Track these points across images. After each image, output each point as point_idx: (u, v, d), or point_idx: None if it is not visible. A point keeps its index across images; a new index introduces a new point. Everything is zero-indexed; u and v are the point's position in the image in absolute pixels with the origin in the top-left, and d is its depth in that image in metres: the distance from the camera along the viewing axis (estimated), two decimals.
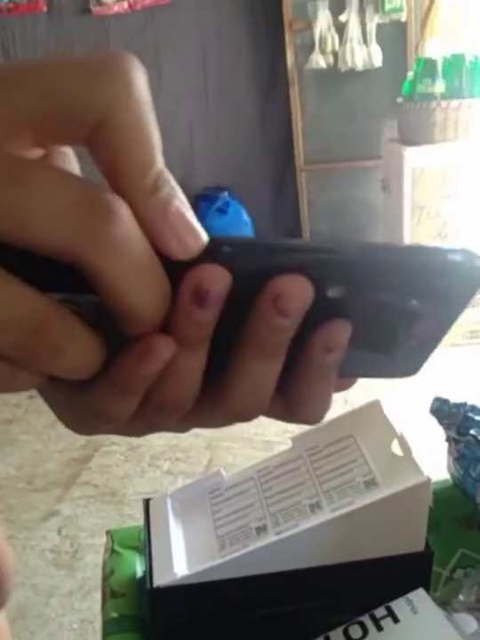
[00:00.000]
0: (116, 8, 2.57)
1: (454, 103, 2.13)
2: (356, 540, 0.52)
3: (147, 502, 0.60)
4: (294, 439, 0.60)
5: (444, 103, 2.13)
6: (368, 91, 2.54)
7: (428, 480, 0.51)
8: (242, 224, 2.63)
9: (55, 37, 2.60)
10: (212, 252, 0.18)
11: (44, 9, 2.60)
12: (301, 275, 0.18)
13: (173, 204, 0.17)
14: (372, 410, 0.59)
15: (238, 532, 0.55)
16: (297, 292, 0.18)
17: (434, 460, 0.87)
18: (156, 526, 0.58)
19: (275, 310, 0.18)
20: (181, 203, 0.18)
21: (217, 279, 0.17)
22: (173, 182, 0.18)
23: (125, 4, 2.58)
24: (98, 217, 0.16)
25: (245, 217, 2.67)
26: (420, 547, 0.53)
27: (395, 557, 0.52)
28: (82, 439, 1.96)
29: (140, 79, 0.18)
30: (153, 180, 0.17)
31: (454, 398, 0.71)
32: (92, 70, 0.17)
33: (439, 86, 2.15)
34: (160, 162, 0.18)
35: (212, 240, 0.18)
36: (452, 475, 0.69)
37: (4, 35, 2.57)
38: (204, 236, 0.18)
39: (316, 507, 0.54)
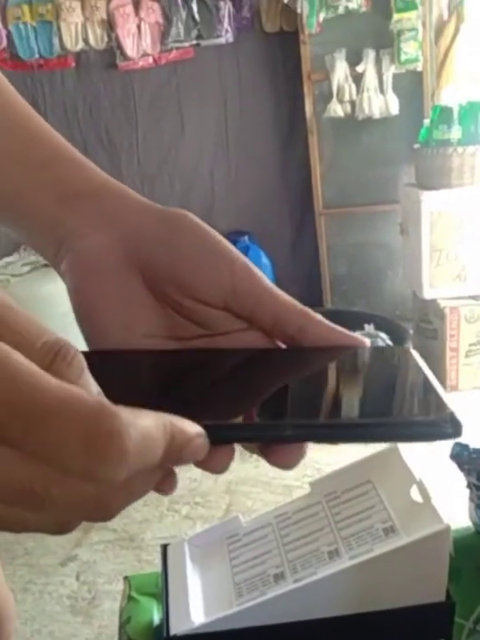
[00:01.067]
0: (141, 63, 2.68)
1: (471, 149, 2.16)
2: (375, 588, 0.51)
3: (164, 548, 0.60)
4: (312, 484, 0.60)
5: (460, 149, 2.16)
6: (385, 138, 2.59)
7: (448, 527, 0.51)
8: (262, 266, 2.66)
9: (82, 91, 2.70)
10: None
11: (73, 64, 2.72)
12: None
13: None
14: (391, 455, 0.59)
15: (256, 579, 0.55)
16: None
17: (455, 507, 0.86)
18: (174, 572, 0.58)
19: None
20: None
21: None
22: None
23: (150, 59, 2.69)
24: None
25: (265, 260, 2.71)
26: (441, 597, 0.52)
27: (415, 608, 0.51)
28: None
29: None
30: None
31: (474, 444, 0.71)
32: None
33: (455, 132, 2.18)
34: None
35: None
36: (473, 522, 0.68)
37: (35, 89, 2.68)
38: None
39: (334, 554, 0.54)
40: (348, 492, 0.58)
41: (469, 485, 0.67)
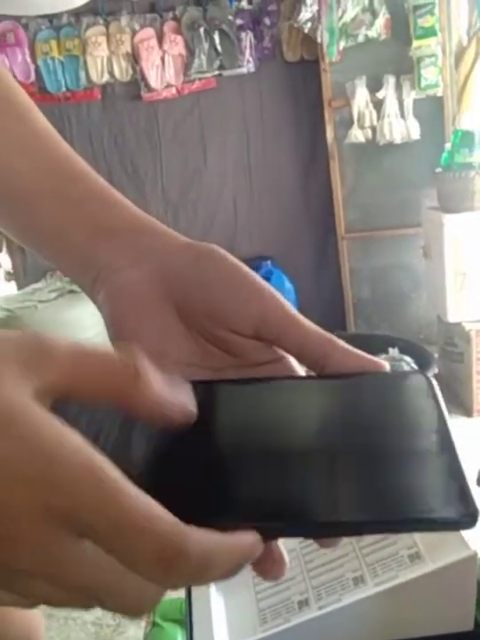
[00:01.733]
0: (164, 93, 2.74)
1: None
2: (400, 616, 0.50)
3: None
4: None
5: None
6: (406, 162, 2.61)
7: (475, 554, 0.50)
8: (284, 291, 2.67)
9: (108, 122, 2.77)
10: None
11: (99, 96, 2.79)
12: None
13: None
14: None
15: (280, 605, 0.54)
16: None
17: None
18: (198, 598, 0.57)
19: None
20: None
21: None
22: None
23: (173, 90, 2.75)
24: None
25: (288, 284, 2.71)
26: (469, 626, 0.51)
27: (442, 637, 0.50)
28: None
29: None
30: None
31: None
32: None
33: (477, 156, 2.18)
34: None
35: None
36: None
37: (62, 120, 2.76)
38: None
39: (359, 580, 0.53)
40: None
41: None
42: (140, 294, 0.30)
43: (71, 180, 0.34)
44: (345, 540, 0.58)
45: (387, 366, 0.29)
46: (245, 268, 0.30)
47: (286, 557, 0.25)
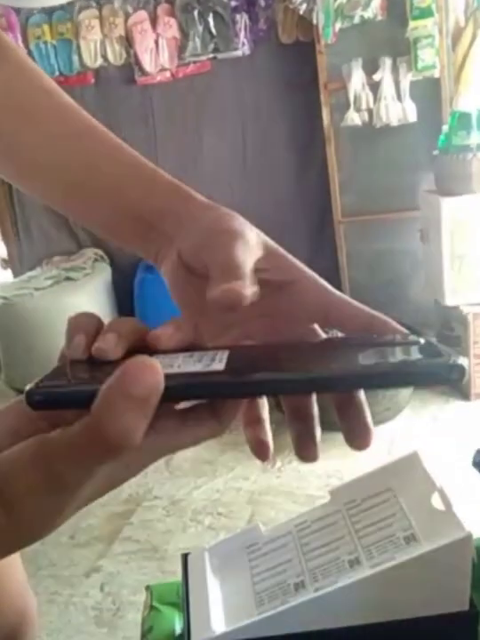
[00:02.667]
0: (158, 77, 2.71)
1: None
2: (396, 597, 0.51)
3: (185, 557, 0.60)
4: (332, 492, 0.60)
5: None
6: (404, 145, 2.59)
7: (470, 535, 0.50)
8: None
9: (102, 106, 2.74)
10: None
11: (92, 81, 2.76)
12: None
13: None
14: (411, 461, 0.59)
15: (276, 588, 0.55)
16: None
17: None
18: (195, 582, 0.58)
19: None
20: None
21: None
22: None
23: (168, 74, 2.72)
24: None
25: None
26: (465, 605, 0.51)
27: (438, 617, 0.50)
28: (124, 493, 1.96)
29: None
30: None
31: None
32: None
33: (475, 138, 2.17)
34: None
35: None
36: None
37: None
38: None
39: (355, 562, 0.53)
40: (368, 500, 0.58)
41: None
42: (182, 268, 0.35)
43: (136, 166, 0.42)
44: (340, 523, 0.58)
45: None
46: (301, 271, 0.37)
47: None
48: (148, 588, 0.67)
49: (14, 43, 0.45)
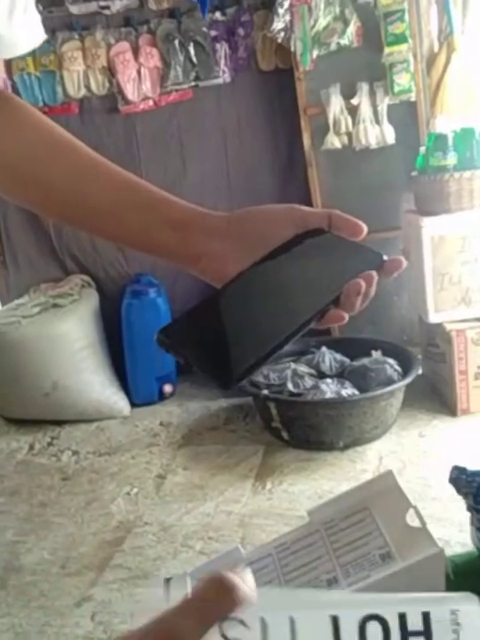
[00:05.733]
0: (141, 106, 2.76)
1: (467, 174, 2.19)
2: None
3: (167, 582, 0.61)
4: (310, 512, 0.61)
5: (457, 174, 2.19)
6: (383, 166, 2.64)
7: (442, 551, 0.51)
8: None
9: (86, 135, 2.78)
10: None
11: (76, 111, 2.80)
12: None
13: None
14: (386, 480, 0.60)
15: None
16: None
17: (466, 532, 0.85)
18: None
19: None
20: None
21: None
22: None
23: (151, 102, 2.77)
24: None
25: None
26: None
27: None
28: (114, 520, 1.95)
29: None
30: None
31: (472, 467, 0.71)
32: None
33: (451, 159, 2.22)
34: None
35: None
36: (475, 545, 0.68)
37: None
38: None
39: (333, 581, 0.55)
40: (345, 519, 0.59)
41: (469, 509, 0.68)
42: (225, 256, 0.49)
43: (136, 191, 0.52)
44: (319, 543, 0.60)
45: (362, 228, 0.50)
46: (268, 205, 0.52)
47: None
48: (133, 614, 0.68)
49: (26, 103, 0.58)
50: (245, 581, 0.30)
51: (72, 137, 0.56)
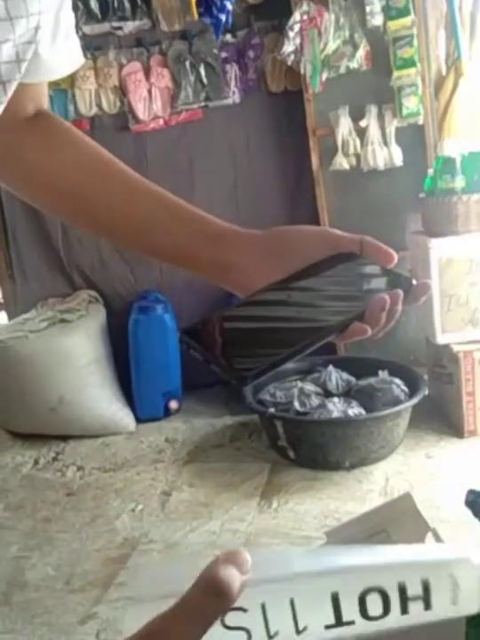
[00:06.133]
0: (152, 125, 2.80)
1: (475, 197, 2.21)
2: (394, 638, 0.52)
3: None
4: (328, 534, 0.61)
5: (465, 197, 2.21)
6: (390, 188, 2.66)
7: None
8: None
9: None
10: None
11: (87, 128, 2.84)
12: None
13: None
14: (404, 503, 0.61)
15: None
16: None
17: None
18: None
19: None
20: None
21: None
22: None
23: (161, 121, 2.80)
24: None
25: None
26: None
27: None
28: (119, 537, 1.95)
29: None
30: None
31: None
32: None
33: (459, 182, 2.24)
34: None
35: None
36: None
37: None
38: None
39: None
40: (363, 541, 0.60)
41: None
42: (255, 269, 0.51)
43: (179, 207, 0.55)
44: None
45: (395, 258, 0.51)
46: (303, 226, 0.54)
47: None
48: None
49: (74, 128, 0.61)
50: (241, 564, 0.29)
51: (111, 156, 0.60)
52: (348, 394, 2.34)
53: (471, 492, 0.72)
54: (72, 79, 2.78)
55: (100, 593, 1.71)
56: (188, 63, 2.74)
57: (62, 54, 0.55)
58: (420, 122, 2.57)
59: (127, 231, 0.56)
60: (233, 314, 0.48)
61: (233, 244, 0.52)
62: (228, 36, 2.73)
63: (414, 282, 0.50)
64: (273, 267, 0.50)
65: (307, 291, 0.49)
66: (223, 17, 2.57)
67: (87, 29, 2.73)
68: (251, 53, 2.74)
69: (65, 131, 0.58)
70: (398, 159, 2.57)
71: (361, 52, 2.56)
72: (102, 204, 0.57)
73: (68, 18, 0.54)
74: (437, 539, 0.57)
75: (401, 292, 0.48)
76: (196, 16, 2.59)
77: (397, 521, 0.60)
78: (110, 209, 0.57)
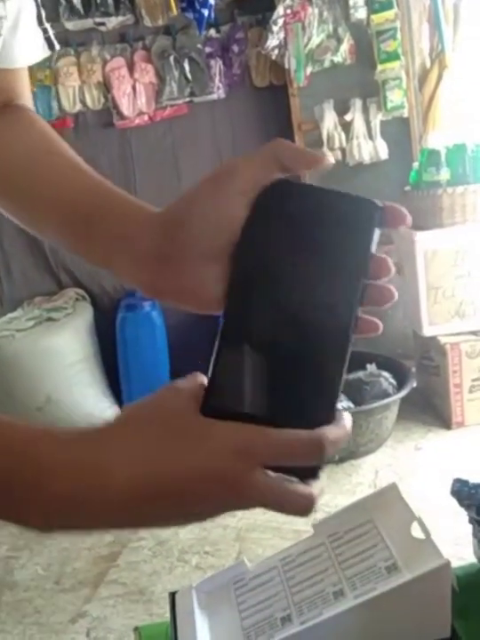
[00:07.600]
0: (137, 121, 2.78)
1: (460, 189, 2.22)
2: (380, 627, 0.52)
3: (172, 596, 0.61)
4: (315, 525, 0.61)
5: (449, 190, 2.22)
6: (376, 182, 2.66)
7: (448, 563, 0.52)
8: None
9: (81, 149, 2.76)
10: None
11: (71, 125, 2.82)
12: None
13: None
14: (390, 493, 0.61)
15: (264, 623, 0.56)
16: None
17: (464, 544, 0.86)
18: (183, 620, 0.58)
19: None
20: None
21: None
22: None
23: (146, 117, 2.79)
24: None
25: None
26: (446, 633, 0.52)
27: None
28: (109, 535, 1.94)
29: None
30: None
31: (474, 479, 0.72)
32: None
33: (444, 174, 2.25)
34: None
35: None
36: (478, 558, 0.69)
37: None
38: None
39: (339, 594, 0.55)
40: (350, 532, 0.59)
41: (471, 521, 0.68)
42: (185, 282, 0.41)
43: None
44: (324, 555, 0.60)
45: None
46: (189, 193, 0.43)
47: None
48: (136, 629, 0.67)
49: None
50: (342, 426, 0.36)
51: (65, 150, 0.54)
52: None
53: (457, 481, 0.72)
54: (55, 75, 2.75)
55: (91, 591, 1.71)
56: (172, 58, 2.72)
57: (23, 43, 0.54)
58: (405, 115, 2.57)
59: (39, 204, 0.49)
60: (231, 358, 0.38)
61: (129, 265, 0.44)
62: (212, 31, 2.72)
63: (379, 203, 0.38)
64: (201, 263, 0.39)
65: (279, 286, 0.37)
66: (206, 11, 2.55)
67: (70, 25, 2.70)
68: (235, 48, 2.73)
69: (27, 118, 0.54)
70: (383, 153, 2.58)
71: (345, 46, 2.56)
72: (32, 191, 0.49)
73: (31, 6, 0.54)
74: (423, 528, 0.57)
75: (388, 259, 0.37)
76: (175, 11, 2.57)
77: (383, 511, 0.60)
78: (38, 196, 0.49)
